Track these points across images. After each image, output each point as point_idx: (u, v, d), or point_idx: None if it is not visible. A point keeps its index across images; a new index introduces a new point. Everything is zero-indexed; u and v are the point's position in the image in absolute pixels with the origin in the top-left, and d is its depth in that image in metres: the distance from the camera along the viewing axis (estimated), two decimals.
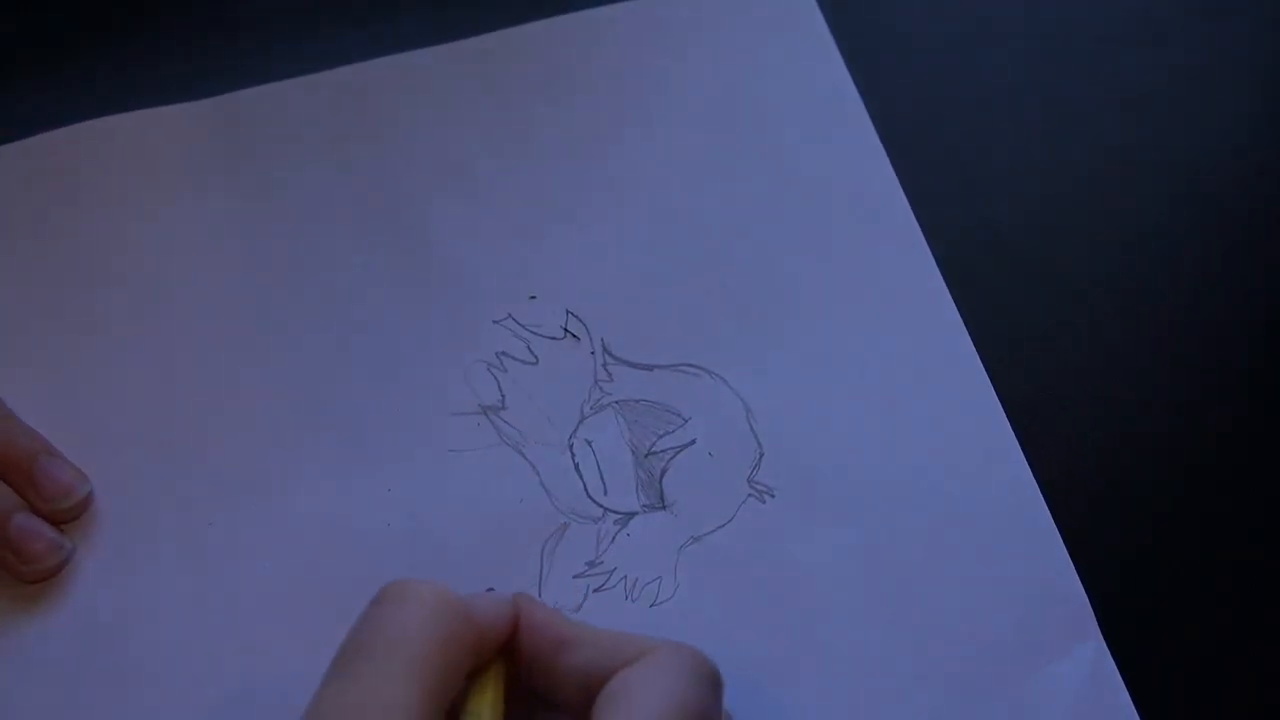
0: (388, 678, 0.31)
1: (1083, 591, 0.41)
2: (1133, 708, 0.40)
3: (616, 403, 0.44)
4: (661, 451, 0.43)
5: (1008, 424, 0.44)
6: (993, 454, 0.43)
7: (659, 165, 0.48)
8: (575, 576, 0.41)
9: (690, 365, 0.44)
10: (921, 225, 0.47)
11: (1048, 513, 0.42)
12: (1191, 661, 0.42)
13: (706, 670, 0.33)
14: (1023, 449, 0.44)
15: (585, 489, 0.43)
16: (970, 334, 0.45)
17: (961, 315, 0.46)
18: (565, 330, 0.45)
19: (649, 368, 0.44)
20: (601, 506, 0.42)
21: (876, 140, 0.49)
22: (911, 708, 0.40)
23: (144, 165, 0.47)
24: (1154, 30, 0.53)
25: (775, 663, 0.40)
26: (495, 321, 0.45)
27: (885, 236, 0.47)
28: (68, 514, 0.41)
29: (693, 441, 0.43)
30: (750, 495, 0.42)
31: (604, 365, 0.44)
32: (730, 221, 0.47)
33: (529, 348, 0.45)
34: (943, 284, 0.46)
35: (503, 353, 0.44)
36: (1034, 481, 0.43)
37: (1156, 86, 0.52)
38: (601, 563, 0.42)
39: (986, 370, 0.45)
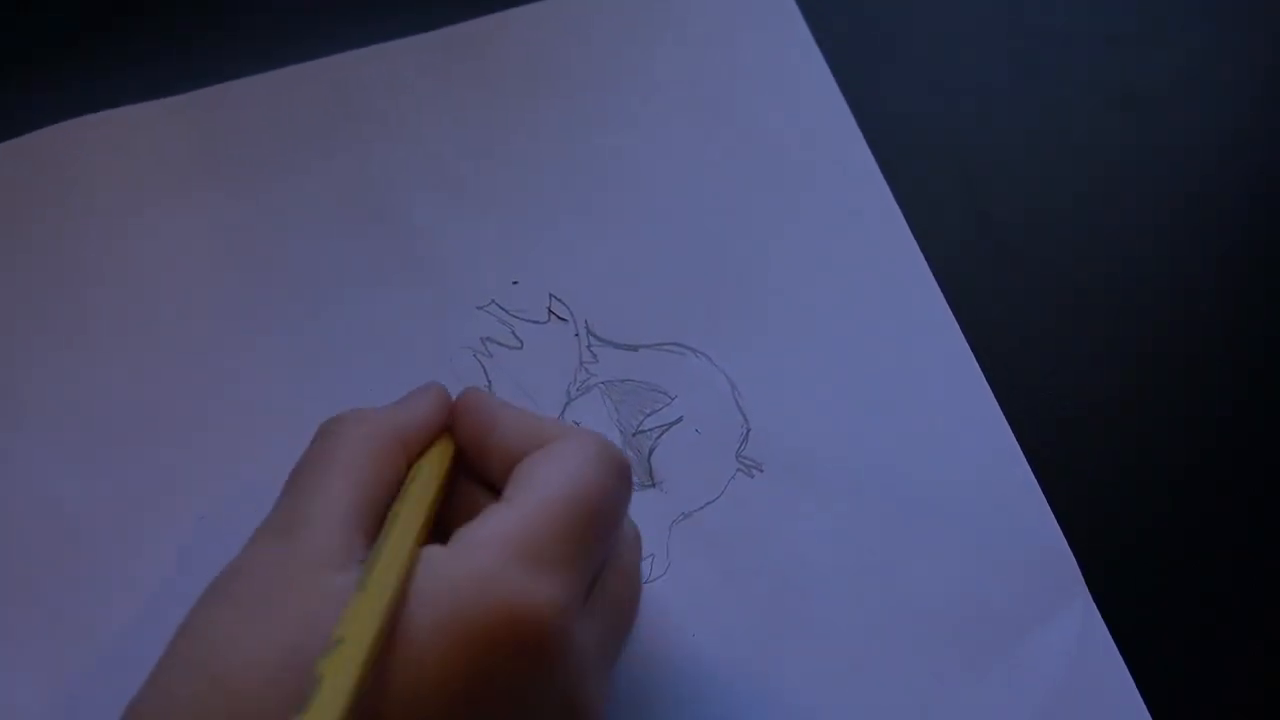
0: (320, 492, 0.34)
1: (1070, 554, 0.41)
2: (1124, 667, 0.39)
3: (603, 383, 0.44)
4: (649, 430, 0.43)
5: (991, 394, 0.44)
6: (977, 423, 0.43)
7: (639, 150, 0.48)
8: None
9: (674, 344, 0.45)
10: (913, 221, 0.47)
11: (1033, 478, 0.42)
12: (1183, 621, 0.41)
13: (610, 456, 0.34)
14: (1007, 419, 0.44)
15: None
16: (961, 324, 0.45)
17: (952, 306, 0.46)
18: (549, 313, 0.45)
19: (634, 348, 0.45)
20: None
21: (853, 122, 0.49)
22: (905, 677, 0.39)
23: (125, 162, 0.47)
24: (1152, 29, 0.53)
25: (767, 635, 0.40)
26: (479, 308, 0.45)
27: (864, 213, 0.47)
28: None
29: (679, 419, 0.43)
30: (738, 471, 0.42)
31: (589, 347, 0.45)
32: (710, 202, 0.47)
33: (513, 332, 0.45)
34: (923, 259, 0.46)
35: (487, 338, 0.45)
36: (1018, 448, 0.43)
37: (1155, 85, 0.52)
38: None
39: (975, 354, 0.45)
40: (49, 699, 0.39)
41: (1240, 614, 0.42)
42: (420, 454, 0.37)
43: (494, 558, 0.31)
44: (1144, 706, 0.39)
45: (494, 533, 0.32)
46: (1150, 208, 0.49)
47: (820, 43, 0.51)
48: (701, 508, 0.42)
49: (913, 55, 0.52)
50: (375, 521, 0.34)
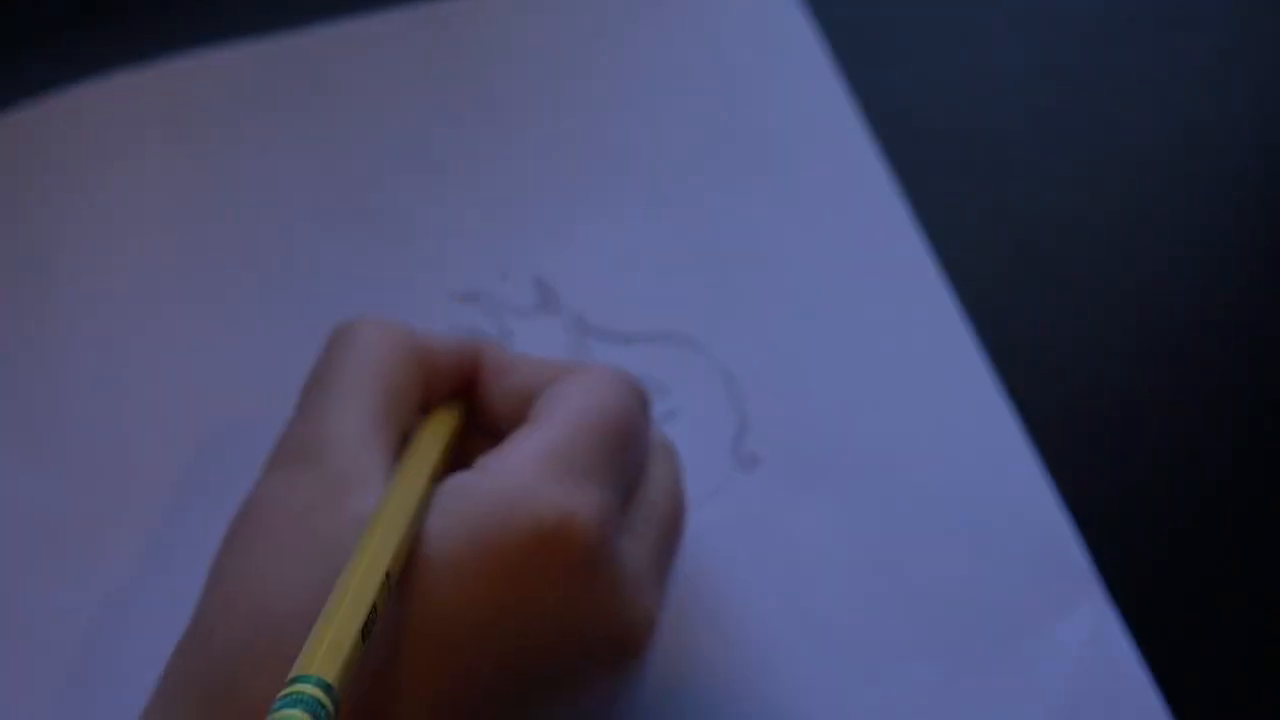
0: (339, 410, 0.33)
1: (1080, 550, 0.41)
2: (1140, 665, 0.39)
3: None
4: None
5: (995, 385, 0.43)
6: (980, 414, 0.43)
7: (631, 136, 0.48)
8: None
9: (670, 336, 0.44)
10: (920, 214, 0.47)
11: (1040, 471, 0.42)
12: (1202, 617, 0.41)
13: (628, 381, 0.35)
14: (1018, 411, 0.43)
15: None
16: (968, 315, 0.45)
17: (960, 298, 0.45)
18: (540, 304, 0.44)
19: (627, 340, 0.44)
20: None
21: (850, 108, 0.48)
22: (910, 677, 0.39)
23: (90, 140, 0.46)
24: (1172, 17, 0.52)
25: (766, 632, 0.39)
26: (464, 298, 0.44)
27: (864, 204, 0.47)
28: None
29: (675, 412, 0.43)
30: (736, 464, 0.42)
31: (581, 339, 0.44)
32: (705, 190, 0.47)
33: (501, 324, 0.44)
34: (924, 249, 0.46)
35: (474, 330, 0.44)
36: (1023, 440, 0.42)
37: (1174, 75, 0.51)
38: None
39: (983, 346, 0.44)
40: (28, 703, 0.38)
41: (1260, 610, 0.41)
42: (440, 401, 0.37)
43: (524, 473, 0.31)
44: (1161, 706, 0.38)
45: (523, 451, 0.32)
46: (1167, 200, 0.49)
47: (819, 30, 0.50)
48: (698, 501, 0.41)
49: (917, 44, 0.52)
50: (398, 437, 0.34)
